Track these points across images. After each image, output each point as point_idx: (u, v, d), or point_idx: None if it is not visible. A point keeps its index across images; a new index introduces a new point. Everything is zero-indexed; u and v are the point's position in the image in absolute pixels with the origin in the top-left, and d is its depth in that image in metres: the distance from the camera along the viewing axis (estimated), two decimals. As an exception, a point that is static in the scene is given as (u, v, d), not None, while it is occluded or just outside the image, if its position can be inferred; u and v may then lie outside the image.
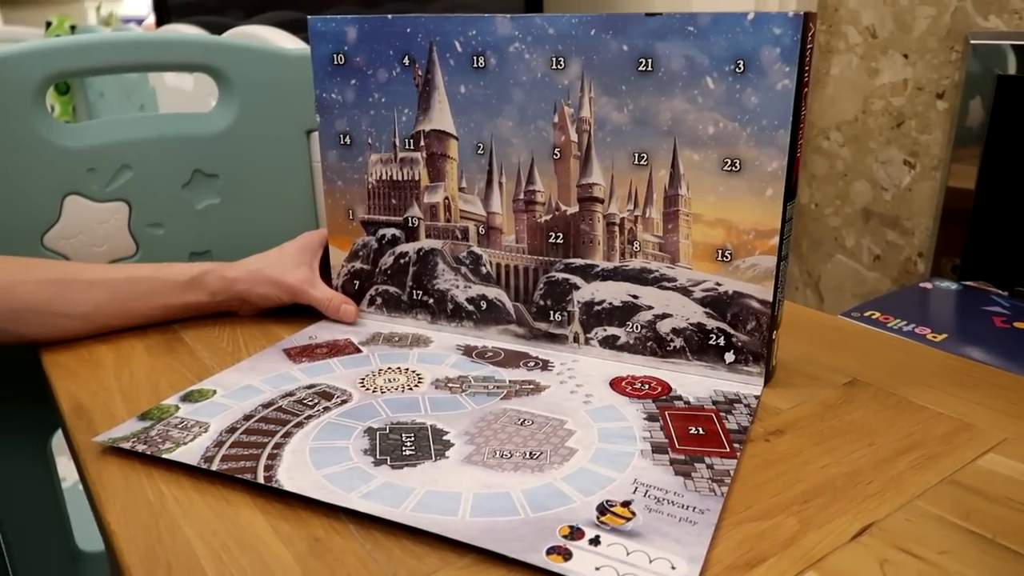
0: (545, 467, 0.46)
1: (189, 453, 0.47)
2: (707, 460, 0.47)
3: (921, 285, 0.97)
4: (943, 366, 0.61)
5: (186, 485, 0.45)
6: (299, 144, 0.85)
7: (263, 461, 0.46)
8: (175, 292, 0.65)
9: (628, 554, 0.39)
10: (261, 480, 0.44)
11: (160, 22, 1.98)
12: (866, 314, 0.86)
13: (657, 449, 0.48)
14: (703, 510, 0.42)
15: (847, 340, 0.66)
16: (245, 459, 0.46)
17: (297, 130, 0.84)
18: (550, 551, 0.39)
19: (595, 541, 0.39)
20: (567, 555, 0.38)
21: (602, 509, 0.42)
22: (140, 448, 0.48)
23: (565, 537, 0.40)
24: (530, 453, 0.47)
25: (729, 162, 0.54)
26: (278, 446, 0.48)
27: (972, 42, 1.02)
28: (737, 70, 0.52)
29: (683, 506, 0.42)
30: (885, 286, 1.19)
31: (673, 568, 0.38)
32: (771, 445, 0.50)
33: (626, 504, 0.42)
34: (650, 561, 0.38)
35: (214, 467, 0.45)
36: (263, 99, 0.81)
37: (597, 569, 0.38)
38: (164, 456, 0.47)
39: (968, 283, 0.99)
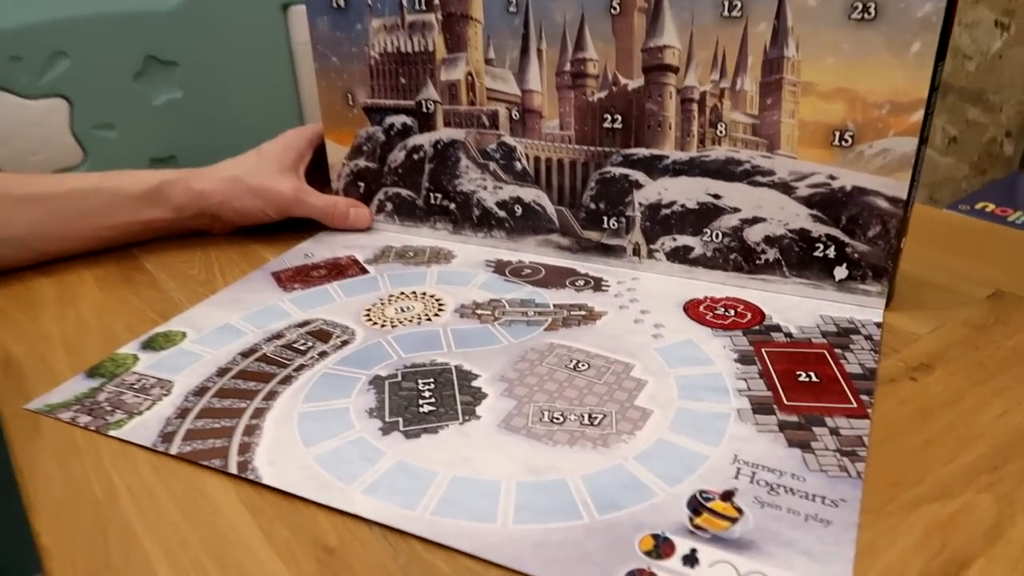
0: (611, 438, 0.34)
1: (144, 427, 0.36)
2: (829, 421, 0.35)
3: (1033, 168, 0.81)
4: None
5: (145, 471, 0.34)
6: (274, 21, 0.69)
7: (238, 437, 0.35)
8: (131, 207, 0.52)
9: (739, 578, 0.27)
10: (233, 468, 0.33)
11: None
12: (977, 206, 0.71)
13: (760, 408, 0.36)
14: (836, 500, 0.30)
15: (968, 239, 0.53)
16: (215, 435, 0.35)
17: (272, 4, 0.69)
18: (629, 578, 0.27)
19: (691, 559, 0.28)
20: (653, 583, 0.27)
21: (695, 506, 0.30)
22: (83, 421, 0.37)
23: (648, 554, 0.28)
24: (589, 416, 0.36)
25: (860, 7, 0.38)
26: (258, 413, 0.37)
27: None
28: None
29: (807, 495, 0.31)
30: (961, 173, 1.02)
31: (806, 601, 0.26)
32: (920, 386, 0.37)
33: (728, 496, 0.31)
34: (772, 590, 0.27)
35: (174, 449, 0.34)
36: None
37: (698, 606, 0.26)
38: (111, 434, 0.36)
39: None
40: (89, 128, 0.63)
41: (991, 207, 0.71)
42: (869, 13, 0.38)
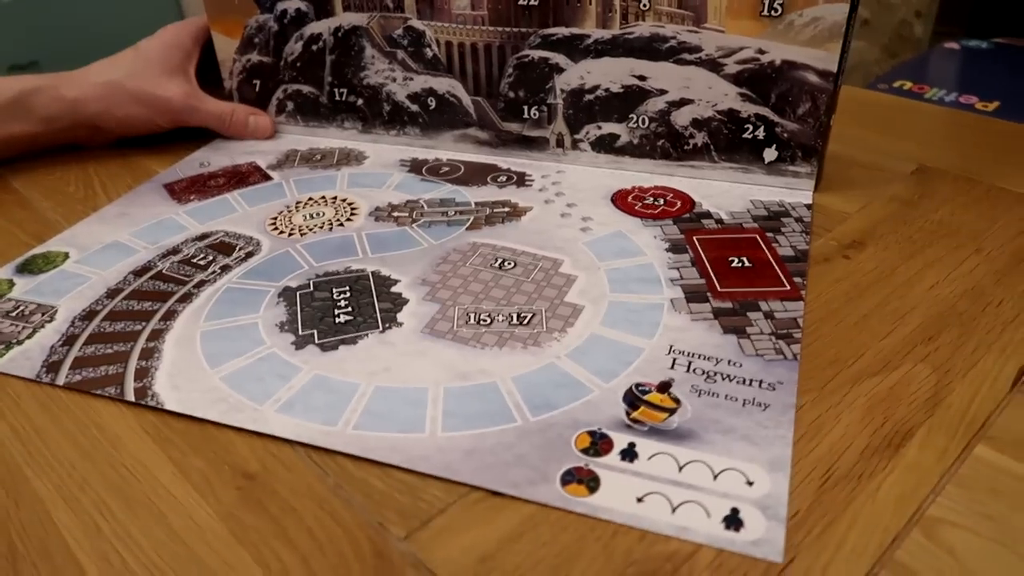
0: (541, 337, 0.32)
1: (26, 358, 0.32)
2: (763, 305, 0.34)
3: (947, 46, 0.81)
4: (1017, 140, 0.49)
5: (30, 407, 0.30)
6: None
7: (133, 363, 0.32)
8: None
9: (680, 469, 0.26)
10: (131, 396, 0.30)
11: None
12: (895, 84, 0.71)
13: (693, 296, 0.35)
14: (772, 383, 0.30)
15: (891, 117, 0.53)
16: (108, 362, 0.32)
17: None
18: (567, 478, 0.26)
19: (629, 453, 0.27)
20: (592, 481, 0.26)
21: (632, 400, 0.29)
22: (-50, 355, 0.33)
23: (585, 452, 0.27)
24: (518, 315, 0.34)
25: None
26: (156, 335, 0.33)
27: None
28: None
29: (744, 380, 0.30)
30: (873, 56, 1.02)
31: (750, 484, 0.26)
32: (853, 263, 0.37)
33: (665, 387, 0.30)
34: (714, 477, 0.26)
35: (61, 380, 0.31)
36: None
37: (639, 501, 0.25)
38: (-15, 366, 0.32)
39: (999, 40, 0.83)
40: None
41: (909, 85, 0.71)
42: None
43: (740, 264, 0.37)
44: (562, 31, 0.43)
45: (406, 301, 0.35)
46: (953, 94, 0.68)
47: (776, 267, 0.36)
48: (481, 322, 0.33)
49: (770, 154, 0.42)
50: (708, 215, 0.41)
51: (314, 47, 0.49)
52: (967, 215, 0.40)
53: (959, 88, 0.68)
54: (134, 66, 0.48)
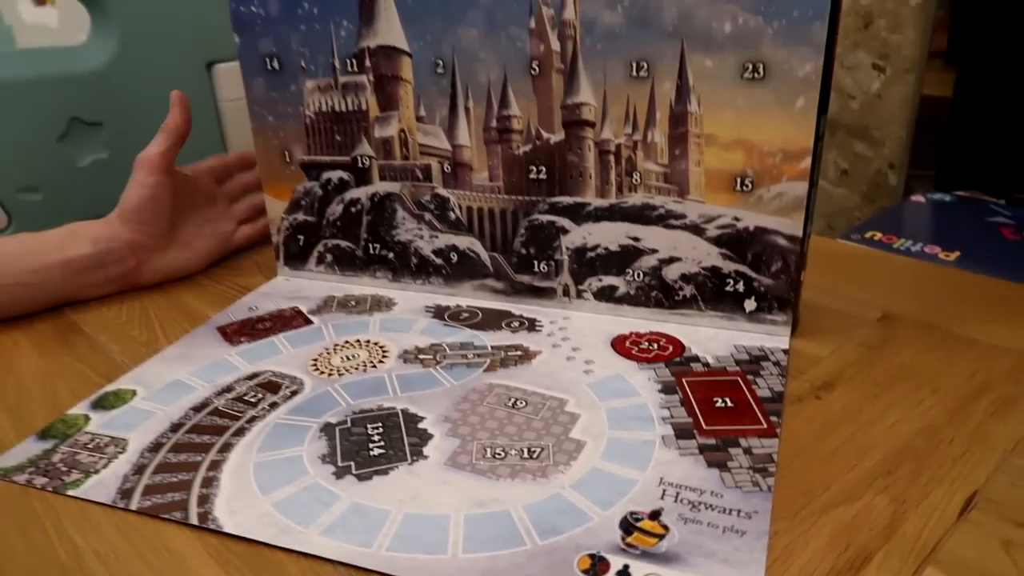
0: (549, 470, 0.37)
1: (103, 486, 0.37)
2: (743, 442, 0.39)
3: (913, 199, 0.89)
4: (973, 289, 0.54)
5: (108, 530, 0.35)
6: (200, 80, 0.71)
7: (196, 490, 0.37)
8: (48, 246, 0.54)
9: (668, 589, 0.30)
10: (194, 519, 0.35)
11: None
12: (867, 235, 0.78)
13: (681, 433, 0.40)
14: (749, 513, 0.34)
15: (860, 267, 0.59)
16: (174, 489, 0.37)
17: (196, 63, 0.70)
18: (570, 596, 0.30)
19: (624, 574, 0.31)
20: (592, 599, 0.30)
21: (627, 526, 0.34)
22: (39, 482, 0.38)
23: (586, 572, 0.31)
24: (528, 450, 0.39)
25: (751, 67, 0.43)
26: (215, 465, 0.38)
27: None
28: (761, -51, 0.40)
29: (725, 510, 0.34)
30: (854, 202, 1.11)
31: (726, 604, 0.30)
32: (824, 403, 0.42)
33: (655, 515, 0.34)
34: (696, 597, 0.30)
35: (134, 505, 0.36)
36: (148, 25, 0.66)
37: (632, 616, 0.29)
38: (70, 493, 0.37)
39: (960, 193, 0.91)
40: (13, 191, 0.63)
41: (879, 235, 0.77)
42: (759, 73, 0.43)
43: (724, 404, 0.42)
44: (567, 199, 0.50)
45: (431, 436, 0.40)
46: (919, 244, 0.75)
47: (755, 407, 0.42)
48: (496, 456, 0.38)
49: (750, 304, 0.48)
50: (696, 359, 0.46)
51: (353, 209, 0.56)
52: (927, 359, 0.46)
53: (924, 239, 0.75)
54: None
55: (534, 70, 0.48)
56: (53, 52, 0.64)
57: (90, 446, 0.40)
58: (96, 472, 0.38)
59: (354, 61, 0.52)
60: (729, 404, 0.42)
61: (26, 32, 1.08)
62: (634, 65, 0.45)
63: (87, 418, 0.43)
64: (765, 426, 0.40)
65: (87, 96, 0.64)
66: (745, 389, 0.43)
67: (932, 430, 0.39)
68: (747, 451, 0.38)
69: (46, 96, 0.62)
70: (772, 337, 0.48)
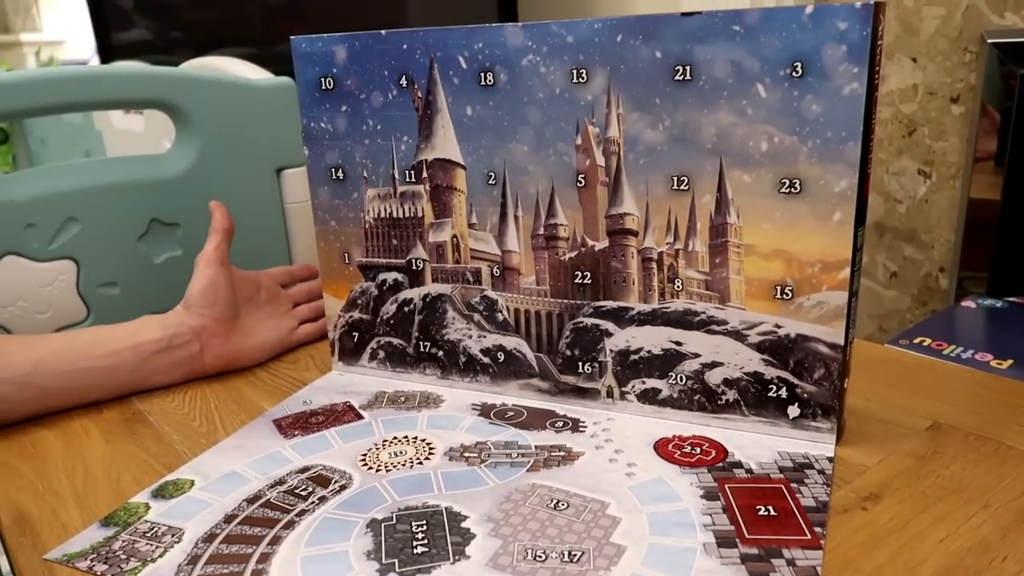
0: (589, 574, 0.37)
1: (158, 575, 0.39)
2: (786, 553, 0.38)
3: (964, 304, 0.88)
4: None
5: (155, 615, 0.36)
6: (269, 184, 0.76)
7: (245, 582, 0.38)
8: (121, 334, 0.58)
9: None
10: (242, 612, 0.36)
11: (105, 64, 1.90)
12: (916, 341, 0.77)
13: (723, 541, 0.39)
14: (792, 628, 0.34)
15: (908, 374, 0.58)
16: (224, 580, 0.38)
17: (266, 169, 0.75)
18: None
19: None
20: None
21: (666, 636, 0.33)
22: (99, 569, 0.39)
23: None
24: (569, 553, 0.39)
25: (787, 183, 0.45)
26: (264, 558, 0.40)
27: (989, 41, 0.93)
28: (794, 74, 0.43)
29: (766, 624, 0.34)
30: (904, 304, 1.10)
31: None
32: (870, 515, 0.41)
33: (695, 626, 0.34)
34: None
35: (185, 594, 0.37)
36: (226, 136, 0.72)
37: None
38: (126, 580, 0.38)
39: (1012, 299, 0.90)
40: (94, 287, 0.67)
41: (928, 341, 0.76)
42: (796, 188, 0.45)
43: (767, 512, 0.42)
44: (610, 304, 0.52)
45: (474, 536, 0.41)
46: (970, 351, 0.74)
47: (799, 516, 0.41)
48: (537, 558, 0.39)
49: (794, 411, 0.49)
50: (739, 464, 0.46)
51: (406, 308, 0.59)
52: (977, 471, 0.45)
53: (976, 346, 0.74)
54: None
55: (580, 182, 0.51)
56: (140, 160, 0.70)
57: (149, 535, 0.42)
58: (153, 561, 0.40)
59: (412, 172, 0.56)
60: (772, 512, 0.42)
61: (114, 136, 1.17)
62: (675, 179, 0.48)
63: (147, 507, 0.45)
64: (809, 537, 0.39)
65: (167, 199, 0.70)
66: (789, 497, 0.43)
67: (983, 547, 0.38)
68: (790, 563, 0.38)
69: (131, 199, 0.68)
70: (817, 444, 0.48)
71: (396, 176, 0.57)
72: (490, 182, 0.54)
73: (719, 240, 0.48)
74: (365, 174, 0.58)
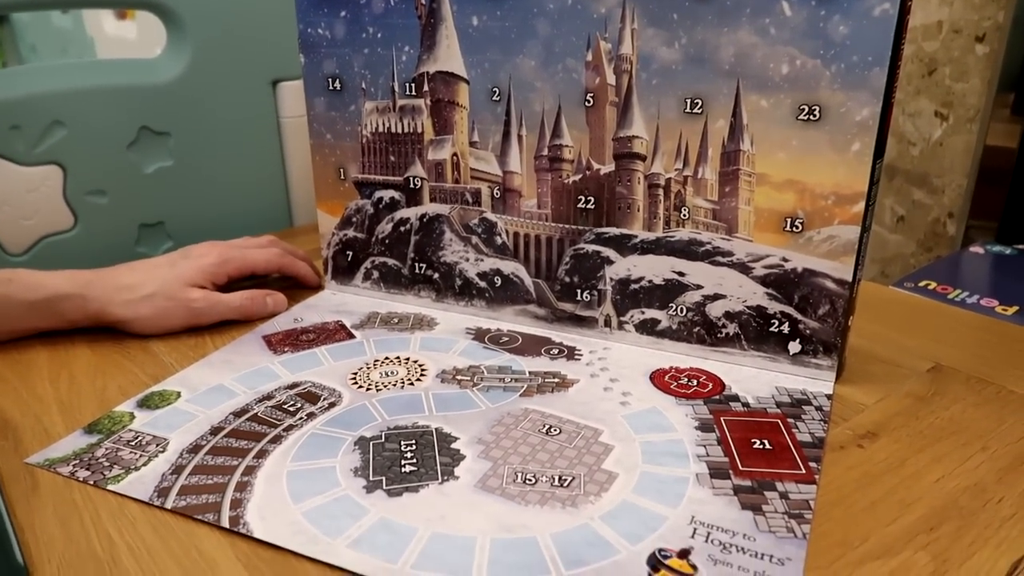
0: (579, 499, 0.37)
1: (141, 483, 0.38)
2: (779, 486, 0.38)
3: (972, 250, 0.87)
4: None
5: (143, 528, 0.36)
6: (264, 97, 0.73)
7: (230, 493, 0.37)
8: (22, 314, 0.51)
9: (693, 631, 0.30)
10: (226, 522, 0.35)
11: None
12: (921, 284, 0.75)
13: (716, 472, 0.39)
14: (782, 559, 0.33)
15: (912, 316, 0.57)
16: (208, 491, 0.37)
17: (262, 80, 0.72)
18: (592, 629, 0.30)
19: (649, 612, 0.31)
20: (614, 634, 0.30)
21: (654, 563, 0.33)
22: (82, 475, 0.39)
23: (610, 607, 0.31)
24: (559, 478, 0.38)
25: (806, 109, 0.43)
26: (250, 470, 0.39)
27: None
28: (822, -9, 0.40)
29: (757, 554, 0.33)
30: (909, 249, 1.08)
31: (752, 652, 0.29)
32: (867, 453, 0.41)
33: (684, 554, 0.33)
34: (722, 641, 0.29)
35: (169, 503, 0.37)
36: (220, 43, 0.69)
37: (654, 656, 0.29)
38: (110, 488, 0.38)
39: (1022, 247, 0.88)
40: (81, 194, 0.65)
41: (933, 285, 0.75)
42: (814, 115, 0.43)
43: (762, 446, 0.41)
44: (613, 231, 0.50)
45: (463, 457, 0.40)
46: (975, 296, 0.72)
47: (794, 451, 0.41)
48: (527, 481, 0.38)
49: (794, 347, 0.48)
50: (736, 398, 0.46)
51: (402, 228, 0.57)
52: (976, 414, 0.44)
53: (981, 291, 0.73)
54: (164, 284, 0.53)
55: (588, 102, 0.48)
56: (129, 63, 0.67)
57: (133, 443, 0.41)
58: (136, 469, 0.39)
59: (413, 85, 0.53)
60: (767, 446, 0.41)
61: (107, 44, 1.13)
62: (688, 101, 0.46)
63: (132, 416, 0.44)
64: (804, 471, 0.39)
65: (157, 106, 0.67)
66: (785, 432, 0.42)
67: (979, 488, 0.38)
68: (783, 495, 0.37)
69: (120, 104, 0.65)
70: (816, 381, 0.47)
71: (396, 89, 0.54)
72: (494, 98, 0.51)
73: (730, 168, 0.46)
74: (363, 85, 0.55)
